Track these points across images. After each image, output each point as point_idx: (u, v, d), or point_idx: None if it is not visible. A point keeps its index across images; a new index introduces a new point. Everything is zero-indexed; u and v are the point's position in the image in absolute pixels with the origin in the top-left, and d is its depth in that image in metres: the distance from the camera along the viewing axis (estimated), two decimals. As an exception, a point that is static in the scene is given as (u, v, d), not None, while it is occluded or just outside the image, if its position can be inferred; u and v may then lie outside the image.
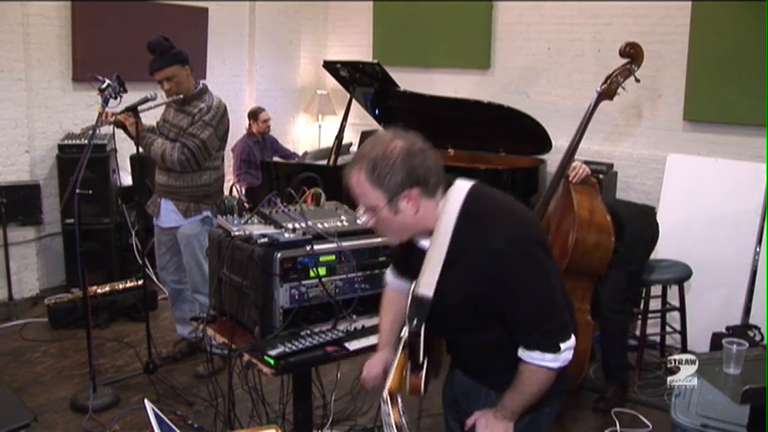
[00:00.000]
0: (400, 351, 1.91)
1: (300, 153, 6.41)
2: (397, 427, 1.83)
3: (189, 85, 3.65)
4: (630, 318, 3.90)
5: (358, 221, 2.16)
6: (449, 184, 1.72)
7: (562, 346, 1.65)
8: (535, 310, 1.65)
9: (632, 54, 3.42)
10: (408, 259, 1.84)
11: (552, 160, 4.44)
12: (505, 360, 1.73)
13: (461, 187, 1.71)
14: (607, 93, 3.46)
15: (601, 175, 4.70)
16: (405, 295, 1.89)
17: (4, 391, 2.88)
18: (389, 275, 2.05)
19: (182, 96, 3.62)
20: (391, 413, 1.85)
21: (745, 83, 4.43)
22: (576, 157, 3.49)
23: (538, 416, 1.83)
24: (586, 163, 3.53)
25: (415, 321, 1.75)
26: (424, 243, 1.74)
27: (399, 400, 1.89)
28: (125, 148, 5.10)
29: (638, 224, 3.60)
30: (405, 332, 1.86)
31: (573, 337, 1.69)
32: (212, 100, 3.67)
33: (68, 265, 5.06)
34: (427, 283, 1.70)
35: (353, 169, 1.65)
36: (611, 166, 5.01)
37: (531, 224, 1.75)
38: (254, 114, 6.07)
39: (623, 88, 3.47)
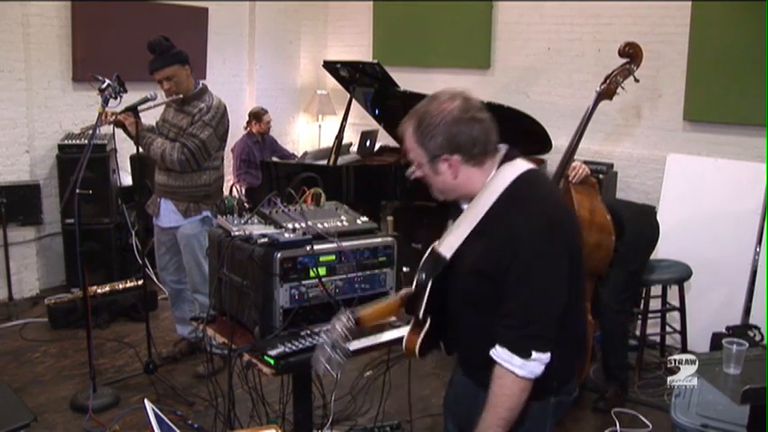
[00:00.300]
0: (398, 295, 1.93)
1: (300, 153, 6.41)
2: (331, 344, 1.80)
3: (189, 85, 3.65)
4: (631, 318, 3.90)
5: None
6: (509, 158, 1.72)
7: (534, 354, 1.60)
8: (525, 307, 1.62)
9: (631, 54, 3.43)
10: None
11: (552, 160, 4.44)
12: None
13: (518, 167, 1.71)
14: (606, 93, 3.46)
15: (601, 175, 4.70)
16: None
17: (4, 391, 2.88)
18: None
19: (181, 96, 3.62)
20: (338, 327, 1.82)
21: (745, 83, 4.43)
22: (576, 157, 3.49)
23: (543, 407, 1.77)
24: (586, 163, 3.53)
25: (424, 275, 1.75)
26: (465, 207, 1.75)
27: (352, 330, 1.86)
28: (125, 148, 5.10)
29: (639, 224, 3.60)
30: (413, 286, 1.84)
31: (548, 354, 1.63)
32: (212, 100, 3.67)
33: (68, 265, 5.06)
34: (450, 244, 1.72)
35: (407, 121, 1.71)
36: (611, 166, 5.01)
37: (563, 218, 1.70)
38: (256, 115, 6.06)
39: (623, 88, 3.47)
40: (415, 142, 1.69)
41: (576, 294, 1.75)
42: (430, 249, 1.79)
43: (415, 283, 1.80)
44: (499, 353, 1.64)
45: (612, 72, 3.45)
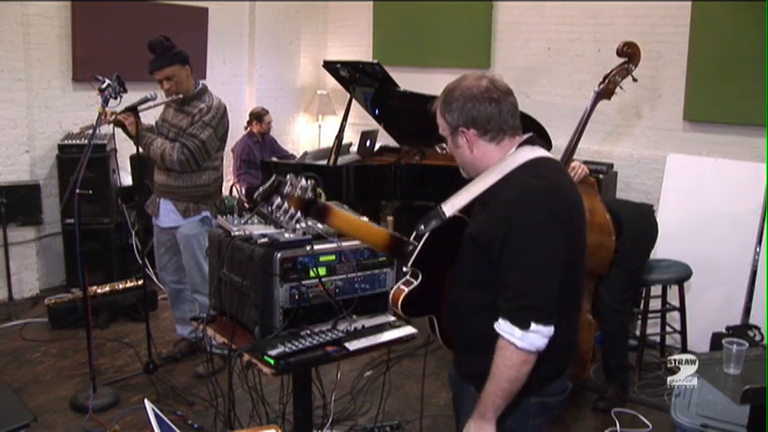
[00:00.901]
0: (387, 230, 1.95)
1: (300, 153, 6.41)
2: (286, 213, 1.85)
3: (189, 85, 3.65)
4: (631, 317, 3.90)
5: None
6: (529, 143, 1.80)
7: (533, 325, 1.62)
8: (521, 278, 1.65)
9: (630, 53, 3.43)
10: None
11: (552, 160, 4.43)
12: (484, 335, 1.71)
13: (536, 151, 1.79)
14: (605, 92, 3.47)
15: (601, 176, 4.70)
16: None
17: (4, 391, 2.88)
18: None
19: (181, 96, 3.62)
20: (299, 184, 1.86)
21: (745, 83, 4.43)
22: (576, 157, 3.49)
23: (524, 406, 1.78)
24: (586, 163, 3.53)
25: (423, 226, 1.83)
26: None
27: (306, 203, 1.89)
28: (125, 148, 5.10)
29: (637, 223, 3.60)
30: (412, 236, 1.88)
31: (551, 328, 1.65)
32: (212, 100, 3.68)
33: (68, 265, 5.06)
34: (454, 204, 1.82)
35: (439, 96, 1.83)
36: (611, 166, 5.01)
37: (563, 200, 1.73)
38: (257, 116, 6.07)
39: (621, 88, 3.47)
40: (439, 114, 1.82)
41: (569, 290, 1.75)
42: (435, 209, 1.85)
43: (414, 234, 1.86)
44: (501, 325, 1.66)
45: (611, 72, 3.45)
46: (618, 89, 3.47)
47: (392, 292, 1.92)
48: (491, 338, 1.69)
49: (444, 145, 1.88)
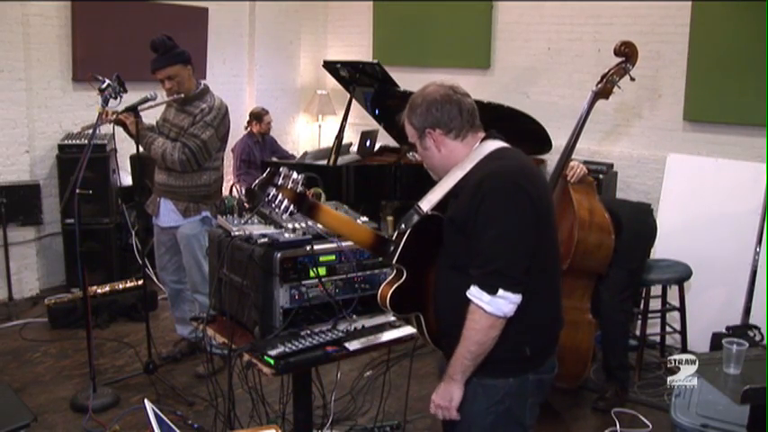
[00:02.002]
0: (370, 229, 2.04)
1: (300, 153, 6.41)
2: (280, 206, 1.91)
3: (190, 85, 3.65)
4: (631, 317, 3.91)
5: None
6: (491, 138, 1.93)
7: (500, 291, 1.72)
8: (490, 246, 1.75)
9: (627, 53, 3.44)
10: None
11: (552, 160, 4.43)
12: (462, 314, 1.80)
13: (498, 143, 1.92)
14: (603, 92, 3.47)
15: (601, 176, 4.70)
16: None
17: (4, 391, 2.88)
18: None
19: (183, 95, 3.62)
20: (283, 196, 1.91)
21: (745, 83, 4.43)
22: (575, 157, 3.49)
23: (498, 385, 1.86)
24: (585, 163, 3.53)
25: (403, 225, 1.92)
26: None
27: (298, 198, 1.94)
28: (125, 148, 5.10)
29: (636, 222, 3.61)
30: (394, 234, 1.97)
31: (518, 295, 1.74)
32: (214, 101, 3.68)
33: (68, 265, 5.06)
34: (429, 200, 1.91)
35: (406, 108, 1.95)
36: (611, 165, 5.01)
37: (531, 178, 1.83)
38: (257, 116, 6.07)
39: (619, 87, 3.48)
40: (407, 122, 1.95)
41: (542, 261, 1.83)
42: (413, 208, 1.94)
43: (396, 233, 1.95)
44: (471, 291, 1.77)
45: (608, 71, 3.45)
46: (616, 89, 3.48)
47: (380, 290, 1.97)
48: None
49: (414, 152, 2.00)
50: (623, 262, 3.45)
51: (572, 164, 3.39)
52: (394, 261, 1.92)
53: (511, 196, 1.77)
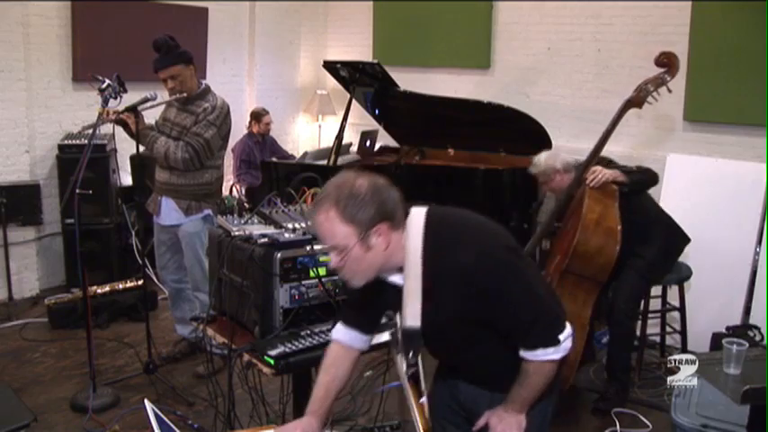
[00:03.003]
0: (410, 390, 1.86)
1: (300, 153, 6.41)
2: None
3: (192, 85, 3.66)
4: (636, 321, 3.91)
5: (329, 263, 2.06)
6: (406, 215, 1.70)
7: (561, 337, 1.71)
8: (525, 312, 1.69)
9: (667, 63, 3.38)
10: (372, 301, 1.85)
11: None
12: (507, 365, 1.78)
13: (418, 215, 1.71)
14: (635, 101, 3.43)
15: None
16: (351, 353, 1.92)
17: (4, 391, 2.88)
18: (338, 327, 1.94)
19: (185, 95, 3.62)
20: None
21: (745, 83, 4.43)
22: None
23: (546, 404, 1.89)
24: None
25: (411, 354, 1.79)
26: (395, 279, 1.74)
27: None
28: (125, 148, 5.09)
29: (669, 243, 3.59)
30: (403, 367, 1.83)
31: (568, 325, 1.74)
32: (216, 100, 3.69)
33: (68, 265, 5.05)
34: (412, 314, 1.71)
35: (321, 209, 1.61)
36: (611, 166, 5.00)
37: (495, 233, 1.75)
38: (256, 116, 6.07)
39: (655, 98, 3.43)
40: (341, 222, 1.60)
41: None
42: (399, 329, 1.78)
43: (405, 364, 1.82)
44: (536, 354, 1.71)
45: (646, 80, 3.41)
46: (651, 99, 3.41)
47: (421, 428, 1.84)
48: (509, 367, 1.78)
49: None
50: (648, 273, 3.46)
51: (594, 168, 3.37)
52: (423, 389, 1.87)
53: (503, 263, 1.67)
